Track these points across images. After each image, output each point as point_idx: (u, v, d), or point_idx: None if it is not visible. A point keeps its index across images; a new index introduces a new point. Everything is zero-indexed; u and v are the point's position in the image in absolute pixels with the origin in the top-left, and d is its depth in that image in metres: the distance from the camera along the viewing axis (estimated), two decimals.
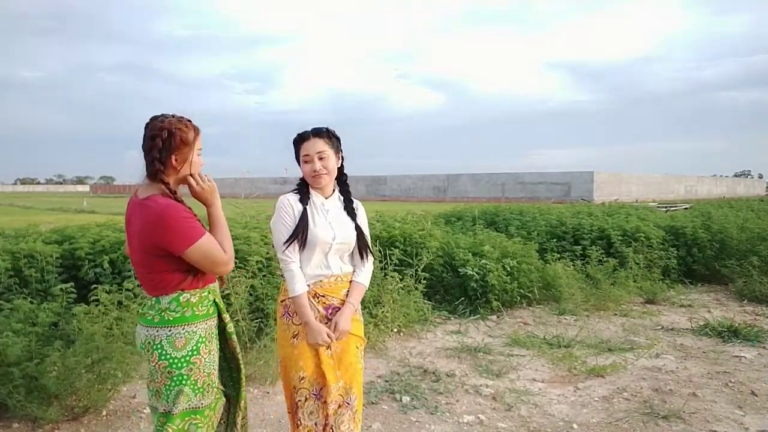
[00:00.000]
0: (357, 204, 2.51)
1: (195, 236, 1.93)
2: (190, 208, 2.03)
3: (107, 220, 6.50)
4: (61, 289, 3.91)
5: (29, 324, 3.41)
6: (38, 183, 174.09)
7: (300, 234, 2.30)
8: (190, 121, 2.05)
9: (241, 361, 2.22)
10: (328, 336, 2.31)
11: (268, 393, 3.92)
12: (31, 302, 3.70)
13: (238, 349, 2.21)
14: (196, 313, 2.02)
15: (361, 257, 2.47)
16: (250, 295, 4.52)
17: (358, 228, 2.43)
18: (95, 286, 3.91)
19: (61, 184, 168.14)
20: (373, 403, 3.76)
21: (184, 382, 1.98)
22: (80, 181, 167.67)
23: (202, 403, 2.03)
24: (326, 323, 2.34)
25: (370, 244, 2.51)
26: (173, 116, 2.02)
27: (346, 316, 2.35)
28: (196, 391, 2.01)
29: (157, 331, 1.99)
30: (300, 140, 2.37)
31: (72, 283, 4.06)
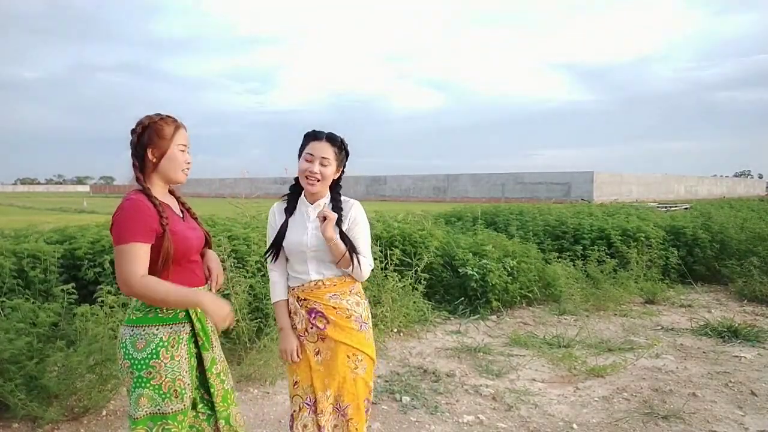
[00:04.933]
0: (350, 207, 2.37)
1: (126, 238, 1.85)
2: (166, 211, 1.97)
3: (107, 220, 6.50)
4: (62, 290, 3.91)
5: (30, 324, 3.42)
6: (38, 183, 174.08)
7: (274, 246, 2.35)
8: (170, 117, 2.04)
9: (211, 380, 2.10)
10: (297, 353, 2.31)
11: (268, 393, 3.92)
12: (33, 302, 3.70)
13: (207, 364, 2.08)
14: (160, 315, 1.96)
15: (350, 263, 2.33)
16: (250, 295, 4.51)
17: (343, 235, 2.30)
18: (99, 287, 3.91)
19: (61, 184, 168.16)
20: (373, 403, 3.75)
21: (144, 384, 1.92)
22: (80, 181, 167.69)
23: (171, 409, 1.95)
24: (311, 327, 2.32)
25: (362, 247, 2.34)
26: (157, 114, 2.03)
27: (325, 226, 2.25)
28: (163, 396, 1.94)
29: (125, 329, 1.98)
30: (312, 137, 2.31)
31: (73, 284, 4.06)
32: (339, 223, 2.30)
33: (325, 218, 2.24)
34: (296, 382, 2.33)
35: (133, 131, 2.01)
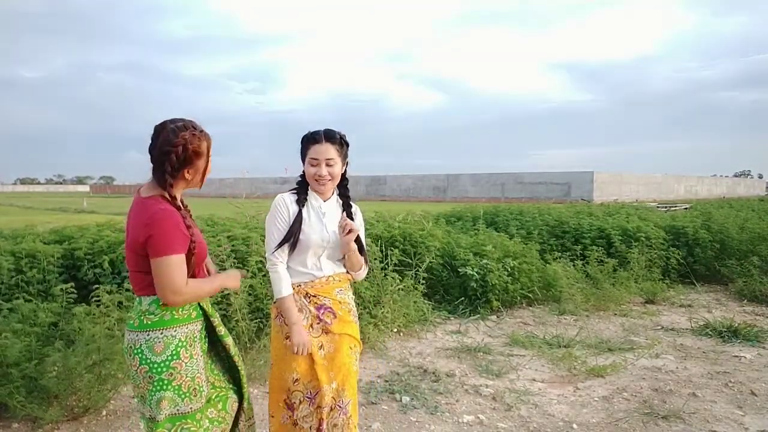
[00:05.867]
0: (356, 209, 2.49)
1: (170, 250, 1.89)
2: (186, 216, 2.01)
3: (107, 220, 6.50)
4: (61, 290, 3.91)
5: (29, 324, 3.41)
6: (38, 183, 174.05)
7: (291, 237, 2.32)
8: (203, 131, 2.01)
9: (239, 363, 2.20)
10: (309, 346, 2.32)
11: (267, 393, 3.91)
12: (31, 302, 3.70)
13: (232, 351, 2.18)
14: (176, 316, 1.98)
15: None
16: (250, 295, 4.51)
17: (357, 238, 2.41)
18: (96, 286, 3.91)
19: (61, 184, 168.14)
20: (373, 403, 3.76)
21: (165, 387, 1.94)
22: (80, 181, 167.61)
23: (191, 408, 1.99)
24: (318, 323, 2.35)
25: (365, 250, 2.50)
26: (184, 125, 1.96)
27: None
28: (183, 396, 1.97)
29: (137, 335, 1.97)
30: (311, 141, 2.34)
31: (72, 284, 4.06)
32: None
33: (350, 231, 2.33)
34: (296, 379, 2.33)
35: (170, 151, 1.92)
